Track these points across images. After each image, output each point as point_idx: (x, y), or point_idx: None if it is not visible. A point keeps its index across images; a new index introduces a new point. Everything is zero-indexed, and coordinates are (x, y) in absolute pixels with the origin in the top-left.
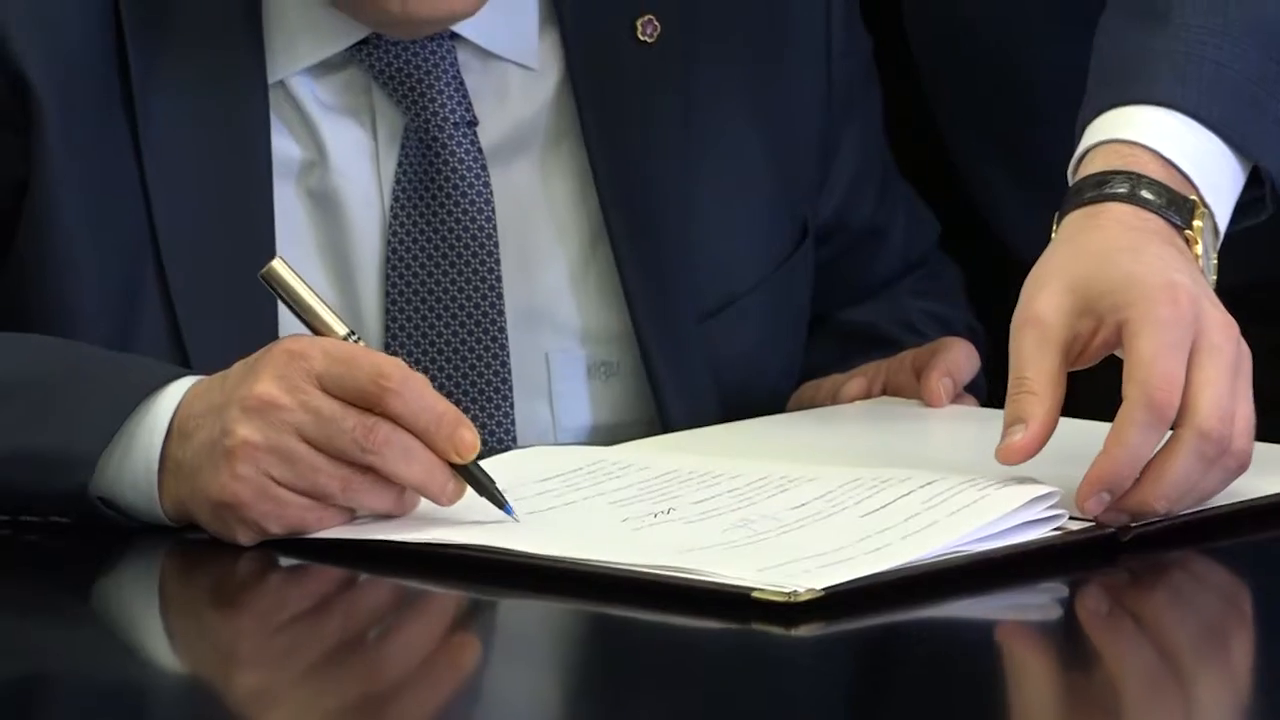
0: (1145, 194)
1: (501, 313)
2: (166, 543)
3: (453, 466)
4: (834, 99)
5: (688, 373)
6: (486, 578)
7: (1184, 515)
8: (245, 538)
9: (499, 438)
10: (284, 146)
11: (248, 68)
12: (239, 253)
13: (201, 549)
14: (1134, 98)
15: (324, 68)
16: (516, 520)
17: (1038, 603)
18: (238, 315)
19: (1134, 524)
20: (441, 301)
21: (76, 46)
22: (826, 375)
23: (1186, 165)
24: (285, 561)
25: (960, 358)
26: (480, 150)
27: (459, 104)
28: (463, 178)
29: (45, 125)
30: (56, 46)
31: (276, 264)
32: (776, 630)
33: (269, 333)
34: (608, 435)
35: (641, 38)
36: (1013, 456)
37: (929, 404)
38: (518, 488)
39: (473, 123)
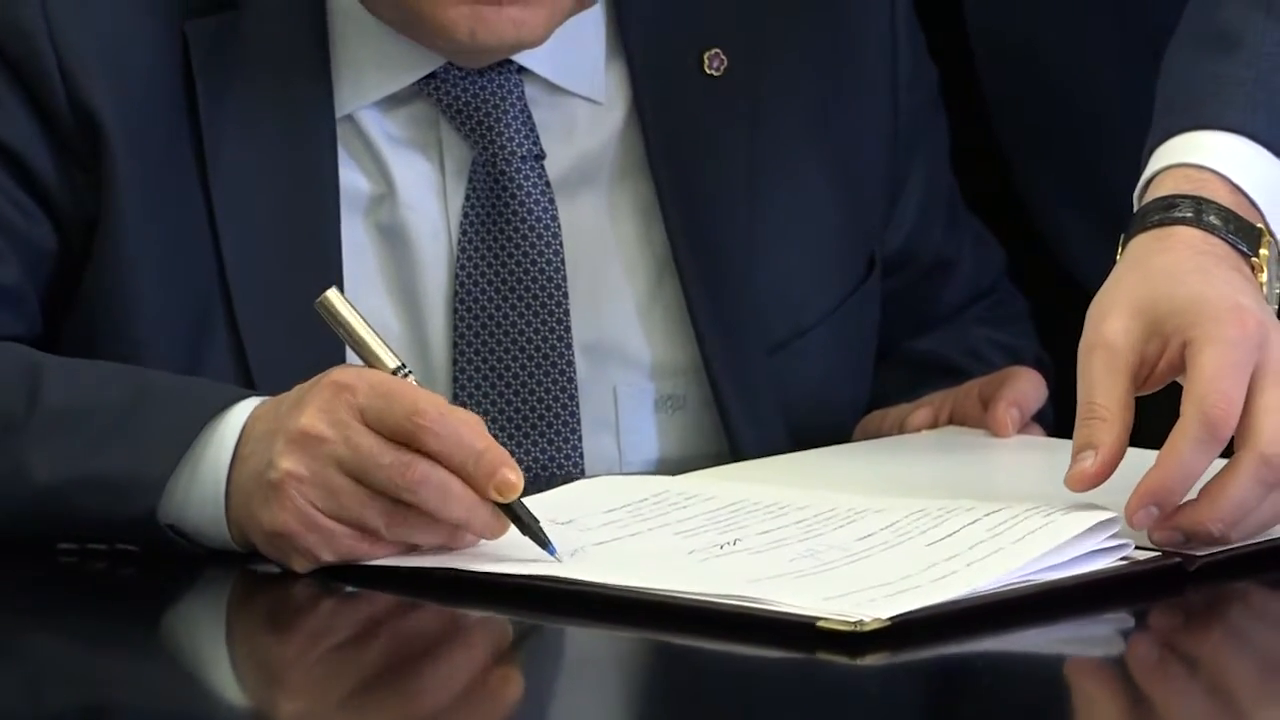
0: (1212, 219)
1: (570, 346)
2: (233, 572)
3: (497, 504)
4: (900, 131)
5: (757, 405)
6: (548, 607)
7: (1250, 545)
8: (300, 565)
9: (567, 470)
10: (352, 180)
11: (316, 101)
12: (306, 286)
13: (264, 579)
14: (1204, 123)
15: (392, 101)
16: (559, 560)
17: (1103, 634)
18: (305, 348)
19: (1200, 554)
20: (510, 335)
21: (145, 83)
22: (893, 404)
23: (1255, 192)
24: (350, 588)
25: (1027, 387)
26: (548, 184)
27: (526, 137)
28: (530, 211)
29: (115, 162)
30: (126, 83)
31: (330, 294)
32: (841, 660)
33: (336, 364)
34: (674, 468)
35: (708, 71)
36: (1082, 483)
37: (996, 434)
38: (584, 518)
39: (540, 156)
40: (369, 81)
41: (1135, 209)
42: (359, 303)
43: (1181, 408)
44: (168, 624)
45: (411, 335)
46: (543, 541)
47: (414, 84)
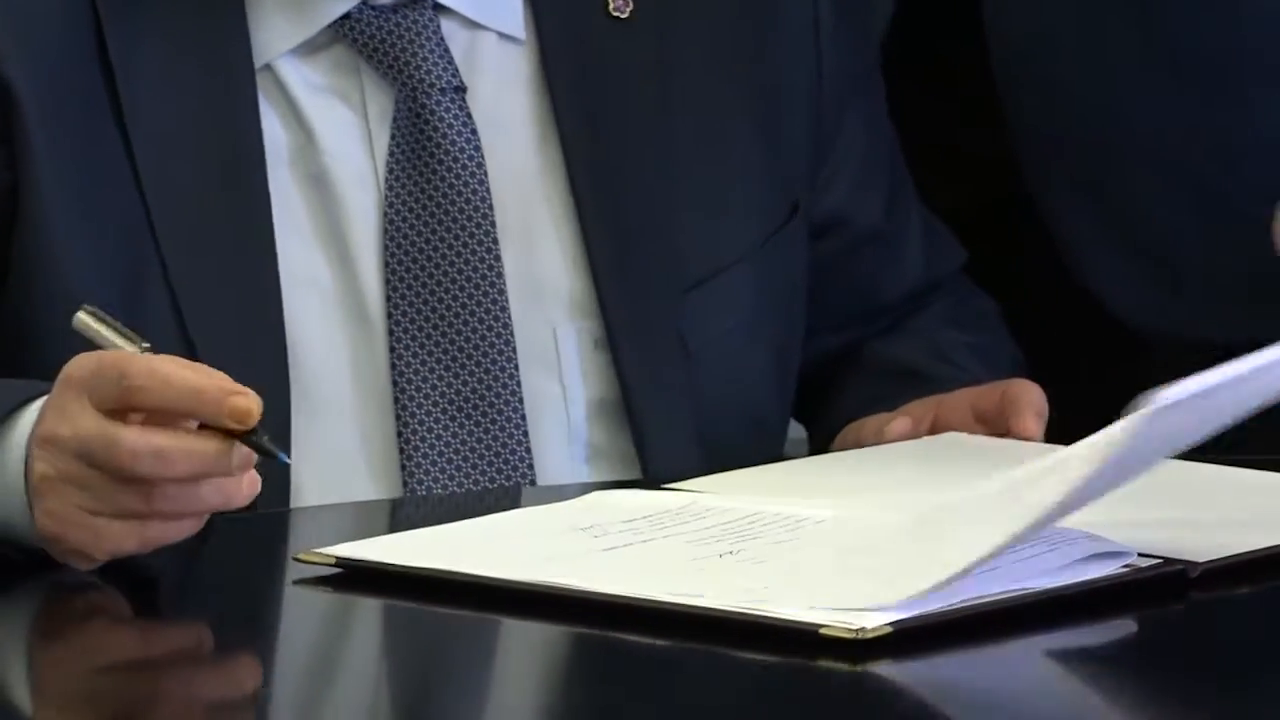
0: None
1: (501, 279)
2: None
3: (233, 435)
4: (825, 85)
5: (662, 346)
6: (543, 613)
7: (1254, 552)
8: (83, 565)
9: (510, 410)
10: (274, 131)
11: (233, 51)
12: (238, 238)
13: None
14: None
15: (309, 48)
16: (289, 461)
17: (1106, 641)
18: (241, 300)
19: (1202, 561)
20: (441, 269)
21: (55, 44)
22: (866, 414)
23: None
24: (345, 596)
25: (1038, 397)
26: (470, 116)
27: (445, 69)
28: (454, 143)
29: (30, 128)
30: (35, 46)
31: (82, 314)
32: (843, 666)
33: (274, 315)
34: (615, 408)
35: (614, 13)
36: None
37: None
38: (604, 524)
39: (460, 89)
40: (283, 27)
41: None
42: (290, 254)
43: None
44: None
45: (345, 284)
46: (272, 454)
47: (330, 29)
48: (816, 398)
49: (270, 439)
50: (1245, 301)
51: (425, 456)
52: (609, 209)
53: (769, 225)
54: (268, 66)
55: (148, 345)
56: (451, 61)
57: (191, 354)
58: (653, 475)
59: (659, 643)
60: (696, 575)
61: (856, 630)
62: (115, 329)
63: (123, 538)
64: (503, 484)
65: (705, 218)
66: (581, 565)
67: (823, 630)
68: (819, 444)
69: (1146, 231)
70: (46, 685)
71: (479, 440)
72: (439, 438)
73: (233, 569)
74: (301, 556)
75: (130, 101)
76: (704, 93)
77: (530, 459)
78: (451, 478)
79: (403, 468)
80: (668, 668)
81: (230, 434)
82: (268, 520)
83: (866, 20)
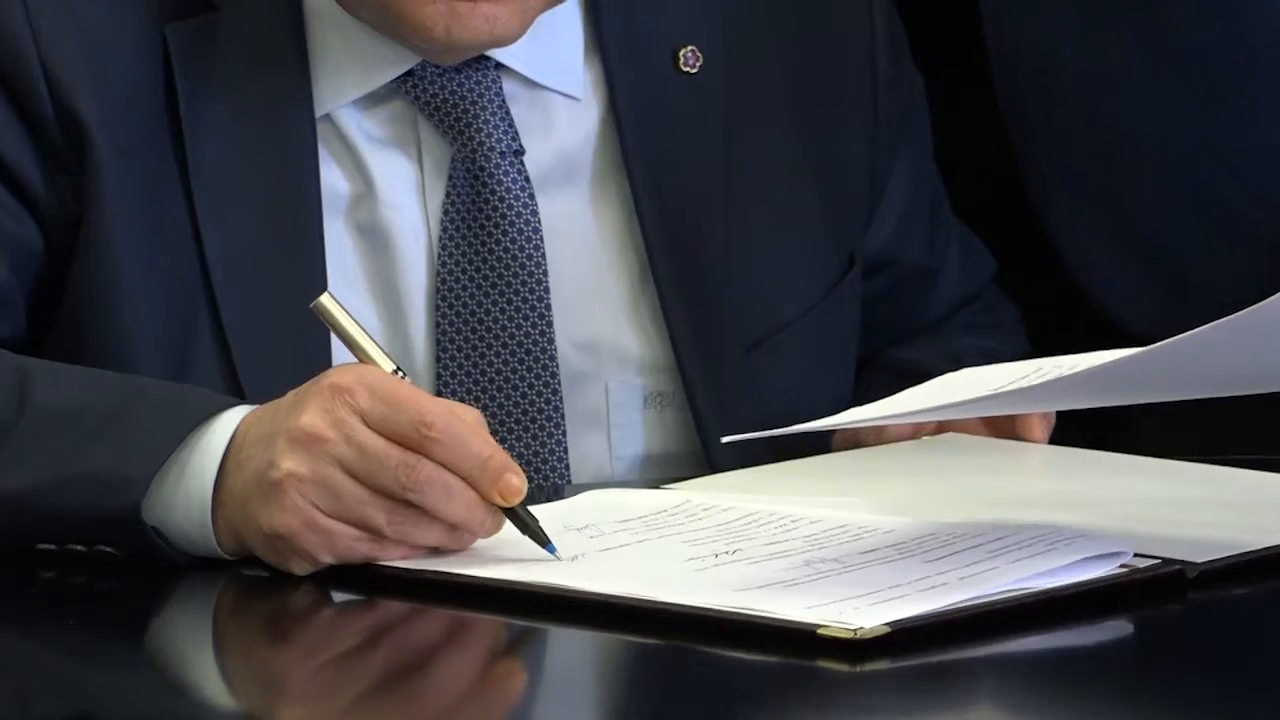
0: None
1: (552, 342)
2: (217, 581)
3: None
4: (880, 130)
5: (731, 403)
6: (545, 612)
7: (1250, 552)
8: (299, 568)
9: (553, 466)
10: (332, 180)
11: (295, 101)
12: (290, 285)
13: (253, 585)
14: None
15: (370, 100)
16: (559, 558)
17: (1103, 641)
18: (291, 347)
19: (1199, 561)
20: (492, 331)
21: (128, 86)
22: None
23: None
24: (341, 596)
25: None
26: (528, 179)
27: (505, 133)
28: (510, 207)
29: (98, 164)
30: (109, 87)
31: (325, 299)
32: (841, 667)
33: (323, 364)
34: (659, 465)
35: (684, 68)
36: None
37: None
38: (599, 524)
39: (519, 152)
40: (347, 80)
41: None
42: (347, 304)
43: None
44: (152, 634)
45: (394, 334)
46: (543, 541)
47: (392, 82)
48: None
49: (538, 525)
50: (1248, 307)
51: None
52: (682, 269)
53: (827, 282)
54: (328, 116)
55: (397, 368)
56: (512, 125)
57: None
58: None
59: (656, 643)
60: (693, 575)
61: (855, 630)
62: (361, 328)
63: (349, 548)
64: None
65: (766, 277)
66: (578, 566)
67: (820, 630)
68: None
69: (1149, 237)
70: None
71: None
72: None
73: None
74: None
75: (195, 148)
76: (768, 148)
77: None
78: None
79: None
80: (665, 668)
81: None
82: None
83: (906, 56)
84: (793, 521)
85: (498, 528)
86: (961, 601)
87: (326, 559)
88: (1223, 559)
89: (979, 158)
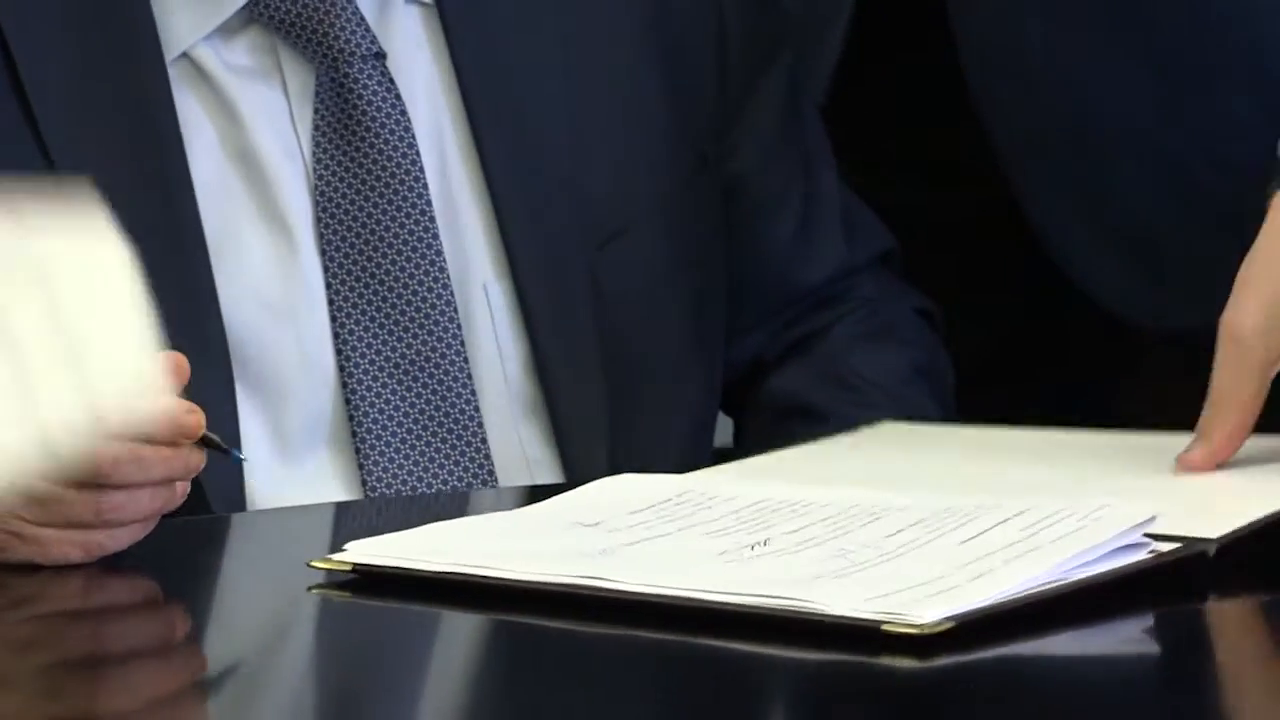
0: None
1: (439, 244)
2: None
3: None
4: (730, 43)
5: (572, 304)
6: (587, 614)
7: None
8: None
9: (456, 369)
10: (196, 116)
11: (142, 47)
12: (166, 229)
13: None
14: None
15: (225, 33)
16: (244, 459)
17: (1174, 630)
18: (170, 288)
19: (1218, 536)
20: (380, 240)
21: None
22: (755, 454)
23: None
24: (368, 602)
25: None
26: (392, 82)
27: (364, 37)
28: (379, 109)
29: None
30: None
31: None
32: (910, 663)
33: (209, 297)
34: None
35: None
36: (1184, 468)
37: None
38: (611, 519)
39: (380, 55)
40: (194, 17)
41: None
42: (230, 236)
43: None
44: None
45: (285, 259)
46: (226, 450)
47: (243, 10)
48: (737, 420)
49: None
50: (1226, 288)
51: (375, 422)
52: (518, 170)
53: (676, 177)
54: (185, 55)
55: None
56: (369, 28)
57: None
58: (564, 430)
59: (698, 640)
60: (731, 570)
61: (919, 626)
62: None
63: (70, 547)
64: (457, 445)
65: (612, 173)
66: (608, 560)
67: (885, 627)
68: None
69: (1125, 220)
70: None
71: (428, 403)
72: (388, 403)
73: (242, 571)
74: (316, 564)
75: (42, 108)
76: (607, 52)
77: (480, 418)
78: (404, 441)
79: (354, 434)
80: (718, 667)
81: None
82: (268, 518)
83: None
84: (805, 505)
85: (202, 460)
86: (1017, 591)
87: (47, 564)
88: (1245, 528)
89: (959, 157)
